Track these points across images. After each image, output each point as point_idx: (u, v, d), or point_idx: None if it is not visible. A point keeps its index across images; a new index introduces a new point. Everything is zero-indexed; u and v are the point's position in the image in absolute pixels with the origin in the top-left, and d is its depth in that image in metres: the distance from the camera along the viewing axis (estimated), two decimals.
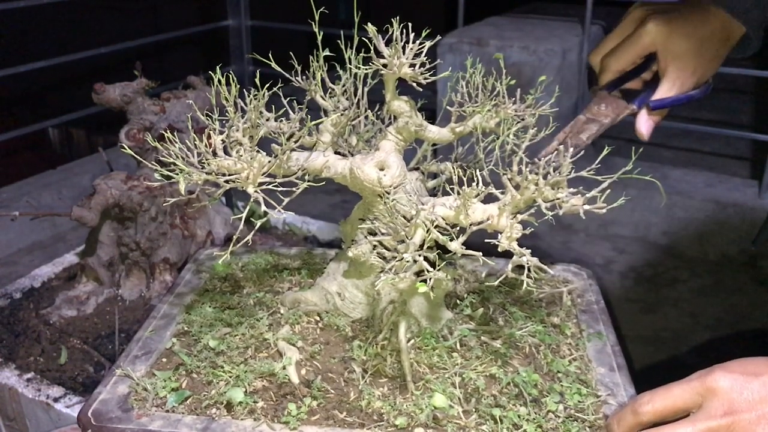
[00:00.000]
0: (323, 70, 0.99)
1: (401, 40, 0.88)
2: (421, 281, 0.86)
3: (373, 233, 1.02)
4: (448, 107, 1.00)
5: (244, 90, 0.92)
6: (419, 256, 0.87)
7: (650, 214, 2.49)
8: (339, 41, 0.96)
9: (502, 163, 0.96)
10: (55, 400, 1.21)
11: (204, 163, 0.88)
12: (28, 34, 3.37)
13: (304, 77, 1.00)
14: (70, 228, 2.39)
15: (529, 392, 0.95)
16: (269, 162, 0.89)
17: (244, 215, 0.90)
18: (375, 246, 1.01)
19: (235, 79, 0.92)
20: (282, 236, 1.82)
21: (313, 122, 0.96)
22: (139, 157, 1.01)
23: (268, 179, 0.89)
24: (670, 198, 2.51)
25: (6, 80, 2.61)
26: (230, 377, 0.97)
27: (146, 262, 1.48)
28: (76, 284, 1.50)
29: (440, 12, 5.24)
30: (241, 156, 0.87)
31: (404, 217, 0.95)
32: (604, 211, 0.84)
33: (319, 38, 0.95)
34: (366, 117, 1.05)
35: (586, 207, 0.85)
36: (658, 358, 1.89)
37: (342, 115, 0.99)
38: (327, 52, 0.97)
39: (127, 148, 0.96)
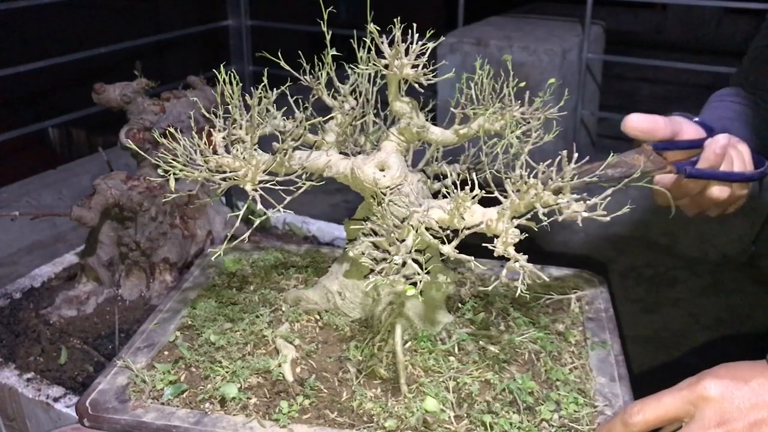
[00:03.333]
0: (331, 69, 0.99)
1: (403, 41, 0.88)
2: (410, 284, 0.86)
3: (373, 234, 1.02)
4: (452, 109, 0.98)
5: (244, 90, 0.92)
6: (410, 258, 0.87)
7: (650, 214, 2.49)
8: (342, 41, 0.96)
9: (506, 167, 0.95)
10: (55, 400, 1.20)
11: (203, 160, 0.88)
12: (28, 34, 3.37)
13: (311, 76, 1.00)
14: (70, 228, 2.39)
15: (523, 399, 0.94)
16: (268, 160, 0.89)
17: (240, 214, 0.89)
18: (368, 247, 1.00)
19: (236, 78, 0.92)
20: (282, 236, 1.82)
21: (315, 120, 0.96)
22: (142, 153, 1.01)
23: (267, 177, 0.89)
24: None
25: (6, 80, 2.62)
26: (227, 372, 0.98)
27: (146, 262, 1.48)
28: (76, 284, 1.50)
29: (440, 12, 5.24)
30: (241, 154, 0.87)
31: (397, 219, 0.95)
32: (608, 219, 0.83)
33: (328, 37, 0.95)
34: (375, 116, 1.05)
35: (585, 214, 0.83)
36: (658, 358, 1.89)
37: (347, 115, 0.99)
38: (326, 53, 0.97)
39: (131, 145, 0.96)
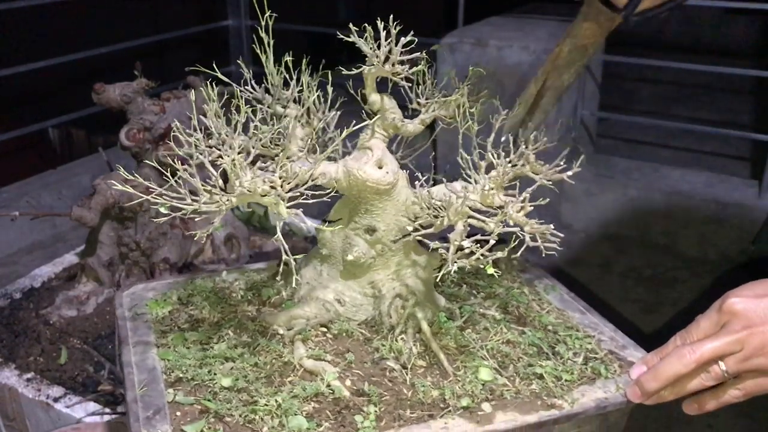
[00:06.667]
0: (275, 76, 1.01)
1: (393, 39, 0.90)
2: (486, 264, 0.89)
3: (372, 231, 1.03)
4: (417, 101, 1.04)
5: (243, 90, 0.92)
6: (468, 242, 0.89)
7: (650, 214, 2.49)
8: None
9: (478, 147, 0.99)
10: (55, 400, 1.21)
11: (239, 184, 0.88)
12: (28, 34, 3.37)
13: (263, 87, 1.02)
14: (70, 228, 2.39)
15: (546, 348, 1.01)
16: (295, 176, 0.91)
17: (279, 236, 0.89)
18: (367, 246, 1.02)
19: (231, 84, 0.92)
20: (282, 236, 1.81)
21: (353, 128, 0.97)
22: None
23: (292, 194, 0.90)
24: (670, 198, 2.51)
25: (6, 80, 2.62)
26: (272, 409, 0.91)
27: (146, 262, 1.48)
28: (76, 284, 1.50)
29: (440, 12, 5.24)
30: (277, 175, 0.89)
31: (434, 207, 0.97)
32: (569, 174, 0.93)
33: (268, 39, 0.97)
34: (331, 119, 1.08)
35: (570, 173, 0.93)
36: None
37: (305, 122, 1.02)
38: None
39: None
